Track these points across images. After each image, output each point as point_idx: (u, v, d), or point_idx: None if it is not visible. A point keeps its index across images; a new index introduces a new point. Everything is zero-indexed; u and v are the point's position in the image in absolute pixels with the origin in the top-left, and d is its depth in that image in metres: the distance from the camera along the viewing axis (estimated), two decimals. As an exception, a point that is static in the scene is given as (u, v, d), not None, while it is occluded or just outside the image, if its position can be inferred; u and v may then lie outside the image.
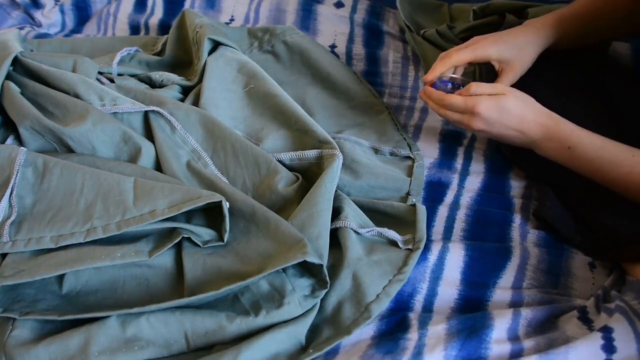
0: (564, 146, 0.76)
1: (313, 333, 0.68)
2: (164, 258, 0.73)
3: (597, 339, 0.61)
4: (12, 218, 0.72)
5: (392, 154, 0.91)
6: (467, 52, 0.84)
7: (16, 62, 0.89)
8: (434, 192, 0.87)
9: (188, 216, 0.76)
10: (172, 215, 0.70)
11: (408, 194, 0.83)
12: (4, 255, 0.71)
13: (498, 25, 1.06)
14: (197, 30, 1.00)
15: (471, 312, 0.69)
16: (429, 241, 0.77)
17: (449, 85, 0.86)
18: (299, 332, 0.66)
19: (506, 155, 0.91)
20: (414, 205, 0.80)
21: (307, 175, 0.81)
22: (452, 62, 0.84)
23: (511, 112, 0.77)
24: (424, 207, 0.79)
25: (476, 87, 0.79)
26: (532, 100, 0.79)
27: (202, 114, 0.86)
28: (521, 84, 0.89)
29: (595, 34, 0.90)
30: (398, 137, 0.94)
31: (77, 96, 0.85)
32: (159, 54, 1.10)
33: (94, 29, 1.27)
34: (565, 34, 0.87)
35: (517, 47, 0.84)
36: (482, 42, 0.84)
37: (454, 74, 0.87)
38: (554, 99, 0.87)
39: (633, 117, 0.84)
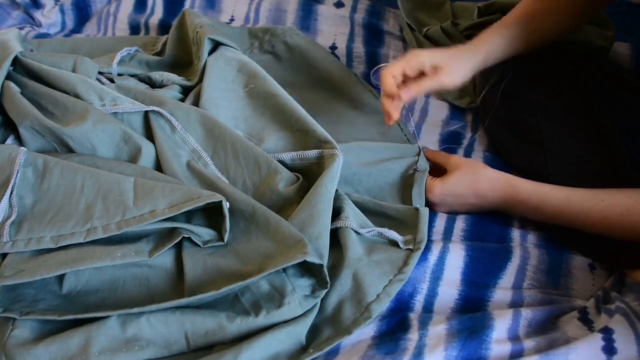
0: (529, 208, 0.78)
1: (313, 333, 0.68)
2: (164, 258, 0.73)
3: (597, 340, 0.61)
4: (12, 218, 0.72)
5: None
6: (402, 62, 0.81)
7: (16, 62, 0.89)
8: (434, 192, 0.86)
9: (188, 216, 0.76)
10: (172, 215, 0.70)
11: (415, 169, 0.83)
12: (4, 255, 0.71)
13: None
14: (197, 30, 1.00)
15: (471, 313, 0.69)
16: (429, 241, 0.77)
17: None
18: (299, 332, 0.66)
19: (505, 158, 0.91)
20: (416, 209, 0.80)
21: (308, 175, 0.81)
22: (389, 76, 0.81)
23: (462, 190, 0.80)
24: (427, 209, 0.79)
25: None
26: (482, 169, 0.80)
27: (202, 113, 0.86)
28: (521, 92, 0.89)
29: (543, 36, 0.88)
30: (401, 136, 0.94)
31: (77, 96, 0.85)
32: (159, 54, 1.10)
33: (94, 29, 1.27)
34: (507, 45, 0.86)
35: (450, 57, 0.82)
36: (415, 51, 0.82)
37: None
38: (551, 104, 0.87)
39: (635, 120, 0.84)
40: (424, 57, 0.81)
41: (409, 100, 0.81)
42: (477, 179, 0.79)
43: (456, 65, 0.82)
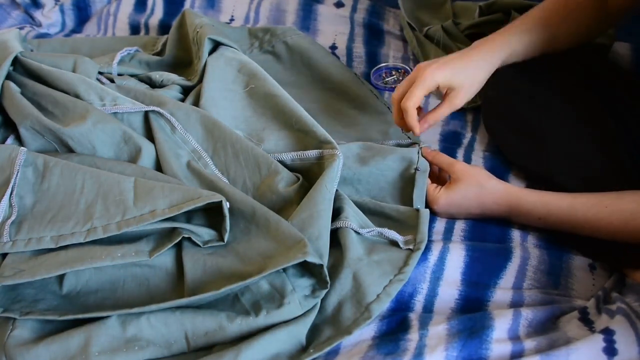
0: (533, 218, 0.78)
1: (313, 333, 0.68)
2: (164, 258, 0.73)
3: (598, 341, 0.61)
4: (13, 218, 0.72)
5: (397, 145, 0.90)
6: (420, 90, 0.81)
7: (16, 62, 0.89)
8: (435, 192, 0.86)
9: (188, 216, 0.76)
10: (172, 215, 0.70)
11: (416, 169, 0.83)
12: (4, 255, 0.71)
13: (503, 23, 1.05)
14: (198, 30, 1.00)
15: (472, 313, 0.69)
16: (429, 241, 0.77)
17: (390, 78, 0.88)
18: (299, 332, 0.66)
19: (506, 156, 0.91)
20: (417, 209, 0.79)
21: (308, 176, 0.81)
22: (413, 107, 0.81)
23: (467, 204, 0.80)
24: (427, 210, 0.79)
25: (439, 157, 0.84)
26: (486, 182, 0.79)
27: (203, 114, 0.86)
28: (523, 89, 0.89)
29: (563, 39, 0.87)
30: (401, 135, 0.94)
31: (77, 96, 0.85)
32: (159, 54, 1.10)
33: (94, 29, 1.27)
34: (524, 48, 0.85)
35: (464, 73, 0.82)
36: (428, 70, 0.81)
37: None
38: (553, 103, 0.87)
39: (635, 121, 0.84)
40: (438, 78, 0.81)
41: (425, 130, 0.85)
42: (481, 192, 0.79)
43: (470, 83, 0.82)
